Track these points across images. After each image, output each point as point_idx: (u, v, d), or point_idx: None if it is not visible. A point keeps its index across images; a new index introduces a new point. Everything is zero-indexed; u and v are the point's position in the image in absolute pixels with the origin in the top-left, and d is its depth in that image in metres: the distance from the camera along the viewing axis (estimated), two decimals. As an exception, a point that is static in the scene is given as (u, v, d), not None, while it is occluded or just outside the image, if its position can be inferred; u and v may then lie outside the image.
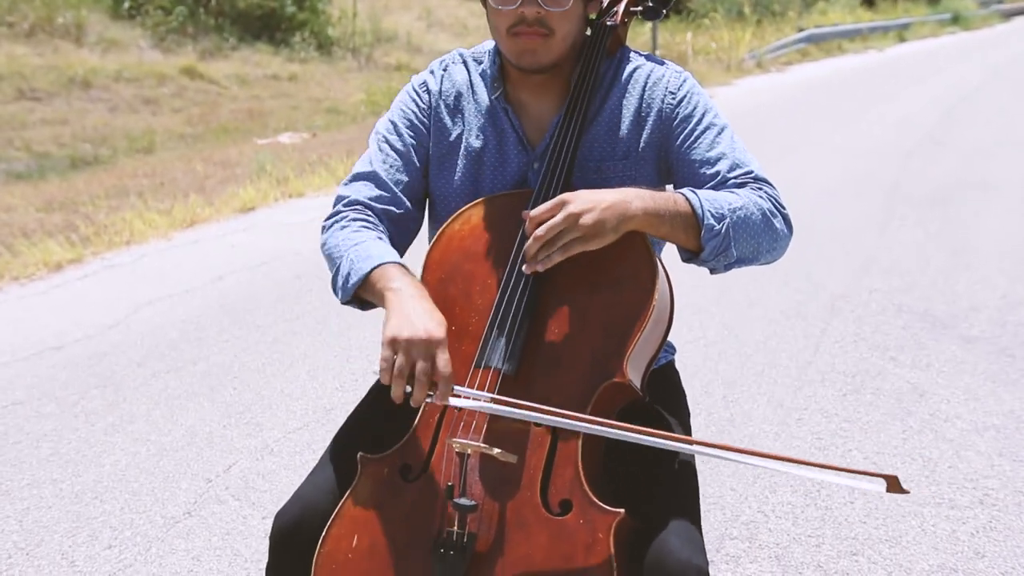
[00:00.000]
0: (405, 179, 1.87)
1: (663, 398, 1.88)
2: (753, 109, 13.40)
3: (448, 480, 1.61)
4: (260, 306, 5.20)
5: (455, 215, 1.81)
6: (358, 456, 1.69)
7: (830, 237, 6.50)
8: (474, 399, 1.60)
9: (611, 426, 1.56)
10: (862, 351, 4.53)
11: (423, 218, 1.94)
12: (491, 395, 1.60)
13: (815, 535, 2.98)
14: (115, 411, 3.92)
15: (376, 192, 1.85)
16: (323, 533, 1.65)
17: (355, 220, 1.81)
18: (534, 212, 1.62)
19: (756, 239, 1.69)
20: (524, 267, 1.64)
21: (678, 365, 2.08)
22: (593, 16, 1.89)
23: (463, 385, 1.62)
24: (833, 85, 16.55)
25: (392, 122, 1.91)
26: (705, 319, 4.93)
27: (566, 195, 1.62)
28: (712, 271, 1.75)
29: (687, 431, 1.90)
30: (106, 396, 4.07)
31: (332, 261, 1.77)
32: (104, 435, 3.71)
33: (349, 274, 1.71)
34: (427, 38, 20.15)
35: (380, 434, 1.76)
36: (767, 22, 27.34)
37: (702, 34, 22.99)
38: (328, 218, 1.86)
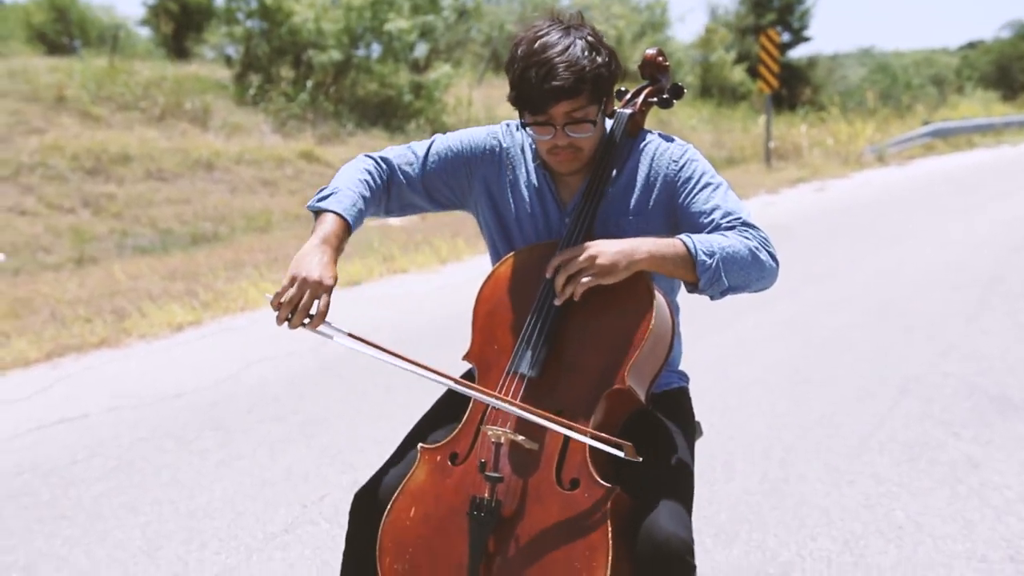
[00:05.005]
0: (434, 170, 2.34)
1: (671, 414, 2.25)
2: (866, 202, 13.57)
3: (483, 459, 2.02)
4: (358, 368, 5.66)
5: (501, 260, 2.25)
6: (418, 447, 2.13)
7: (915, 324, 6.65)
8: (337, 333, 2.05)
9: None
10: (926, 426, 4.70)
11: (425, 209, 2.41)
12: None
13: (845, 576, 3.24)
14: (225, 449, 4.40)
15: (407, 167, 2.34)
16: (389, 505, 2.08)
17: (370, 172, 2.29)
18: (560, 255, 2.05)
19: (744, 270, 2.08)
20: (555, 300, 2.06)
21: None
22: (614, 103, 2.31)
23: (496, 389, 2.06)
24: (954, 180, 16.39)
25: (460, 137, 2.38)
26: (776, 395, 5.18)
27: (587, 243, 2.05)
28: (711, 298, 2.13)
29: (691, 447, 2.25)
30: (217, 437, 4.56)
31: (333, 179, 2.25)
32: (215, 468, 4.19)
33: (322, 199, 2.18)
34: (538, 127, 20.81)
35: (436, 430, 2.21)
36: (892, 116, 27.20)
37: (819, 127, 23.20)
38: (366, 154, 2.34)
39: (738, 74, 33.10)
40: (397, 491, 2.10)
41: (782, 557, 3.38)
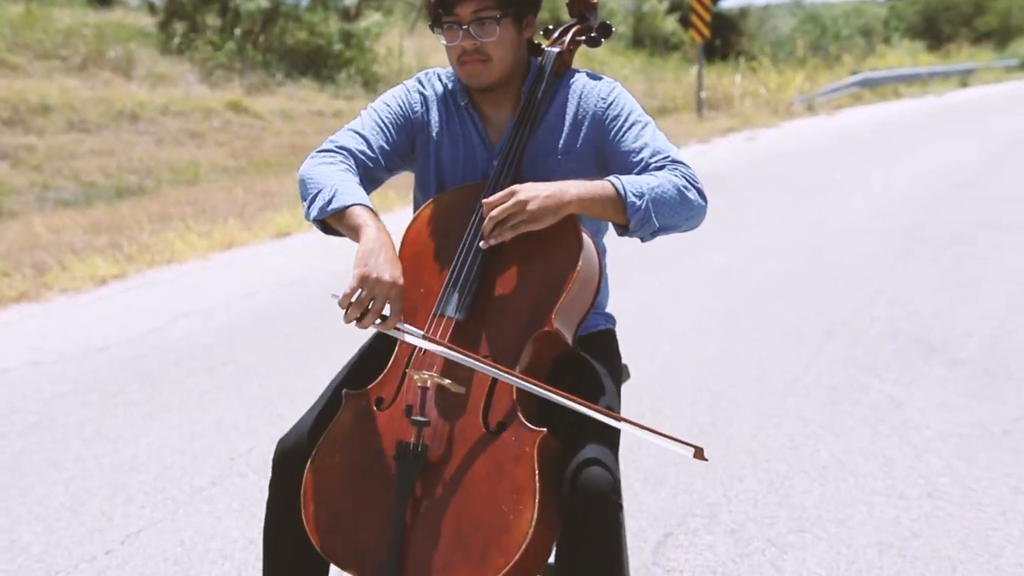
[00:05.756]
0: (385, 146, 2.26)
1: (598, 355, 2.25)
2: (796, 151, 13.74)
3: (409, 404, 2.00)
4: (289, 318, 5.60)
5: (428, 202, 2.21)
6: (343, 392, 2.09)
7: (842, 271, 6.78)
8: (411, 335, 1.97)
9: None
10: (850, 370, 4.81)
11: (386, 179, 2.31)
12: (425, 334, 1.99)
13: (770, 516, 3.29)
14: (151, 402, 4.33)
15: (363, 147, 2.23)
16: (313, 452, 2.05)
17: (342, 162, 2.18)
18: (489, 199, 2.01)
19: (674, 210, 2.06)
20: (480, 243, 2.02)
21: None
22: (541, 42, 2.30)
23: (423, 330, 2.02)
24: (880, 129, 16.67)
25: (385, 103, 2.31)
26: (707, 340, 5.24)
27: (516, 186, 2.00)
28: (642, 240, 2.12)
29: (618, 388, 2.26)
30: (144, 390, 4.48)
31: (314, 184, 2.12)
32: (141, 421, 4.12)
33: (331, 199, 2.06)
34: (471, 77, 20.62)
35: (361, 376, 2.16)
36: (821, 66, 27.53)
37: (751, 77, 23.37)
38: (319, 151, 2.22)
39: (670, 24, 33.14)
40: (321, 438, 2.07)
41: (709, 499, 3.43)
